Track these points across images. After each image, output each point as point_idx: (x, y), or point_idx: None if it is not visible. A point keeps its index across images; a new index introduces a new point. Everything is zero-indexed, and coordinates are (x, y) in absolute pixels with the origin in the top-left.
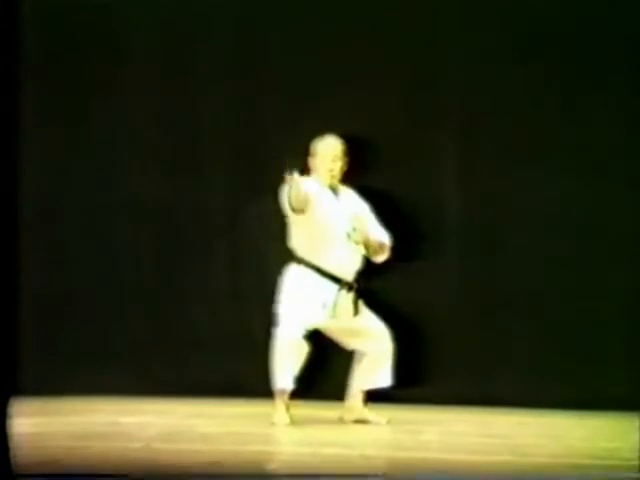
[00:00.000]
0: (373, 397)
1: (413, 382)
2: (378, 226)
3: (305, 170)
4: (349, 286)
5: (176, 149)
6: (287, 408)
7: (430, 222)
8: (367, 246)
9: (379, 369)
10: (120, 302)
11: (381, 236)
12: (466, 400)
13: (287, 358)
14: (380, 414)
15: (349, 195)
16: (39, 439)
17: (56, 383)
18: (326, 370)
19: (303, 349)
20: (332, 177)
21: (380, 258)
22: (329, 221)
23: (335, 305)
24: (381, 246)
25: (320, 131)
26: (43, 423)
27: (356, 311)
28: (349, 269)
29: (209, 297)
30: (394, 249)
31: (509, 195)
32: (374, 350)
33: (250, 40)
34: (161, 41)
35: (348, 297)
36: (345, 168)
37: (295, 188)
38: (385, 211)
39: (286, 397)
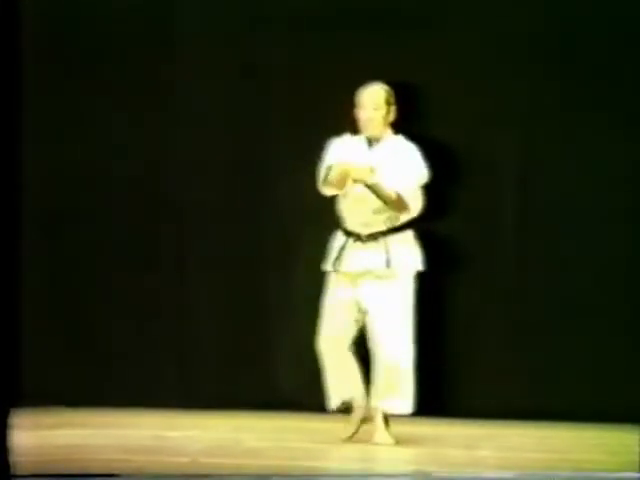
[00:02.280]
0: (424, 411)
1: (467, 395)
2: (405, 177)
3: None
4: (357, 237)
5: (177, 150)
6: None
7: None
8: (378, 194)
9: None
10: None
11: (396, 186)
12: (522, 414)
13: (337, 375)
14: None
15: (391, 143)
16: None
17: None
18: None
19: (351, 362)
20: (373, 127)
21: (403, 214)
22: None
23: (340, 253)
24: (397, 197)
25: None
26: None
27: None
28: (368, 225)
29: (257, 309)
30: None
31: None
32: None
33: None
34: (160, 41)
35: (355, 247)
36: (393, 117)
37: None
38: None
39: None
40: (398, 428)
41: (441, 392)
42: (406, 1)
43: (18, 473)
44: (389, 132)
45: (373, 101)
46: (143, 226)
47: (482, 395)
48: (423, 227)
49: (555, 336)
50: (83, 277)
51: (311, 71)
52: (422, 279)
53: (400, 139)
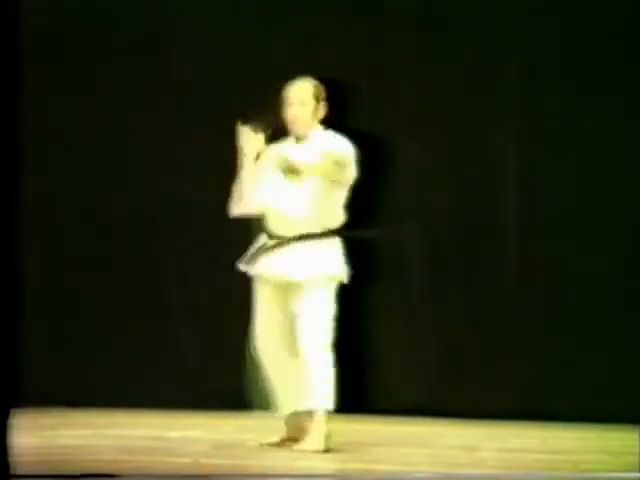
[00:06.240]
0: (425, 411)
1: (468, 396)
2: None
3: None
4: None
5: (176, 149)
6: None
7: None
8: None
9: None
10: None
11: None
12: (522, 414)
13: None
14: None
15: (319, 140)
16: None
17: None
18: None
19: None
20: (300, 125)
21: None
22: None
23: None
24: (338, 162)
25: None
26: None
27: None
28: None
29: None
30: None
31: (571, 200)
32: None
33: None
34: (160, 41)
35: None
36: (322, 113)
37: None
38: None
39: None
40: (399, 428)
41: (441, 392)
42: None
43: (18, 473)
44: (319, 129)
45: (299, 97)
46: (143, 226)
47: (482, 395)
48: (424, 226)
49: (555, 336)
50: (83, 277)
51: None
52: (423, 278)
53: (330, 135)
